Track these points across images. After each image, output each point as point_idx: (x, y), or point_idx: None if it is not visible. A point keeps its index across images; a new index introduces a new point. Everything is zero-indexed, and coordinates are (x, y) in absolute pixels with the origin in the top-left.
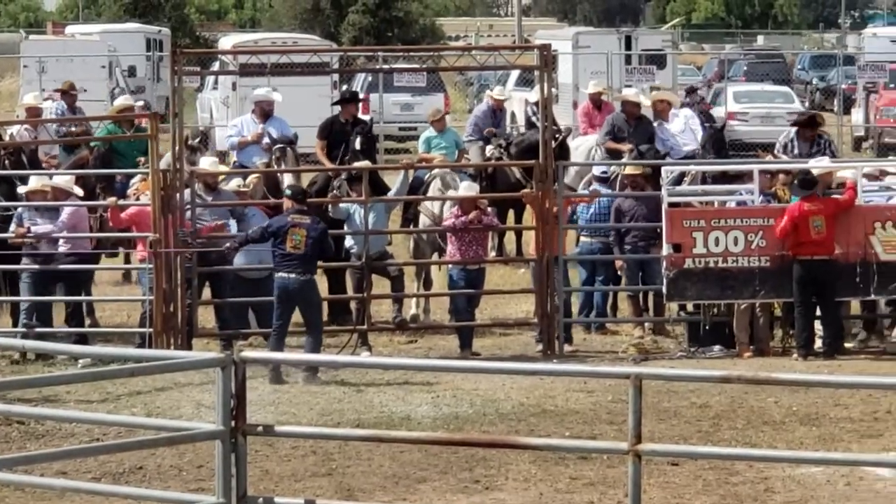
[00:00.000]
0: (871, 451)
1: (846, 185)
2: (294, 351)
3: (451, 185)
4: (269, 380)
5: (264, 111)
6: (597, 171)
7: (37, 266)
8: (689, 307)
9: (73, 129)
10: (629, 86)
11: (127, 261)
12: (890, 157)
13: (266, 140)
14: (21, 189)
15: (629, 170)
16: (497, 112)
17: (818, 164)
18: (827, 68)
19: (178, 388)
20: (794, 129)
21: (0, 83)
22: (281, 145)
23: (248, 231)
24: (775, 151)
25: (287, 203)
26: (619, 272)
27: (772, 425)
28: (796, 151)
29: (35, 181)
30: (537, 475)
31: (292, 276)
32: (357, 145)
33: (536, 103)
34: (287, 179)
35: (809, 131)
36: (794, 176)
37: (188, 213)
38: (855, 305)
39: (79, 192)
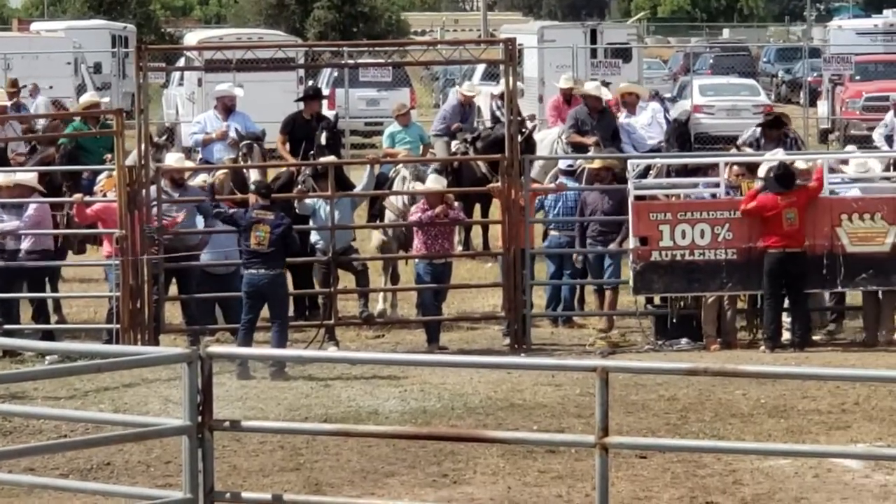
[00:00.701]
0: (839, 443)
1: (816, 172)
2: (261, 346)
3: (421, 176)
4: (236, 375)
5: (226, 106)
6: (562, 164)
7: (1, 263)
8: (657, 300)
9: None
10: (594, 79)
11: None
12: (848, 148)
13: (232, 135)
14: None
15: (597, 163)
16: (466, 107)
17: (780, 157)
18: (792, 61)
19: (146, 384)
20: (759, 127)
21: None
22: (248, 142)
23: (227, 210)
24: (738, 144)
25: (252, 198)
26: (575, 265)
27: (740, 418)
28: (762, 151)
29: (20, 176)
30: (505, 469)
31: (261, 271)
32: (322, 140)
33: (501, 96)
34: (254, 175)
35: (775, 131)
36: (768, 170)
37: (154, 210)
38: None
39: (42, 189)
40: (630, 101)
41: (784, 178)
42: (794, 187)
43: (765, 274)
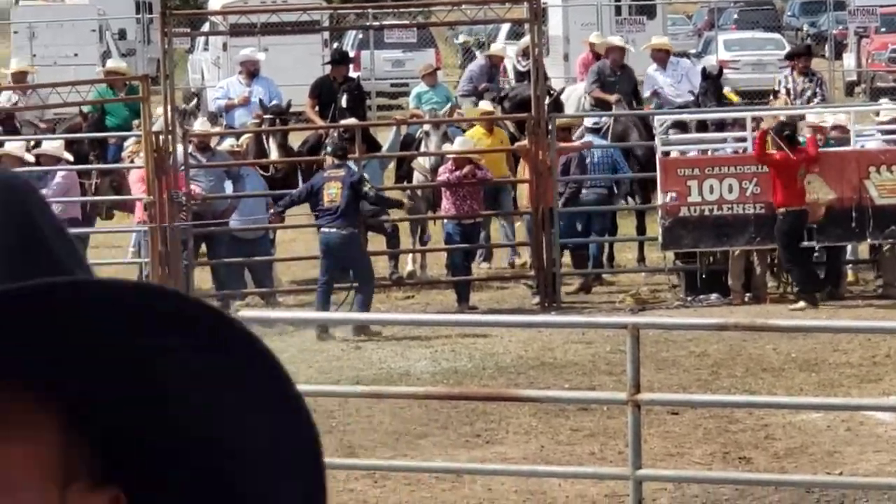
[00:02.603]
0: (871, 396)
1: (809, 142)
2: (291, 310)
3: (449, 136)
4: (316, 338)
5: (250, 71)
6: (588, 122)
7: None
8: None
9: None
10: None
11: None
12: (882, 101)
13: (255, 100)
14: None
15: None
16: (493, 68)
17: (811, 111)
18: (817, 14)
19: None
20: (787, 68)
21: None
22: (270, 117)
23: (292, 193)
24: (780, 93)
25: (327, 160)
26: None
27: (771, 372)
28: (790, 86)
29: (9, 146)
30: (538, 428)
31: (332, 230)
32: (343, 103)
33: (524, 53)
34: (272, 142)
35: (804, 61)
36: (778, 127)
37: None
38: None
39: (69, 157)
40: (660, 58)
41: (791, 137)
42: (800, 144)
43: (786, 233)
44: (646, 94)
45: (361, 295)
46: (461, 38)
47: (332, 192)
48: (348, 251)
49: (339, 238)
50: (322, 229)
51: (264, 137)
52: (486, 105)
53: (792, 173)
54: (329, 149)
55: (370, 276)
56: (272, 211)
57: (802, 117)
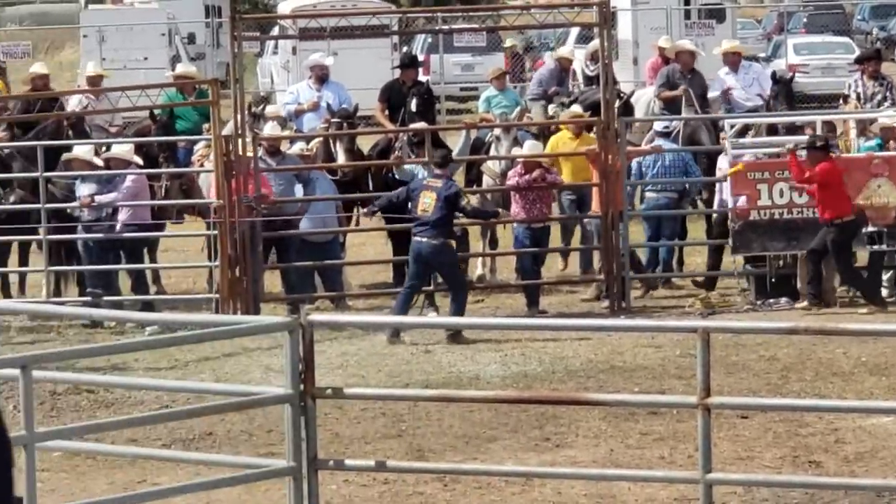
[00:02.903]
0: None
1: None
2: (360, 314)
3: (519, 140)
4: (387, 340)
5: (319, 76)
6: (658, 126)
7: (101, 235)
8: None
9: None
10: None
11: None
12: None
13: (324, 104)
14: (65, 155)
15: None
16: (562, 72)
17: (883, 114)
18: (887, 17)
19: (247, 354)
20: (857, 72)
21: (60, 54)
22: (337, 121)
23: (390, 193)
24: (849, 98)
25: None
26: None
27: (841, 376)
28: (860, 90)
29: (78, 149)
30: (607, 431)
31: (423, 240)
32: (413, 107)
33: (593, 57)
34: (339, 146)
35: (874, 65)
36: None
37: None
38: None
39: (138, 161)
40: (732, 61)
41: (818, 147)
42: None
43: (841, 244)
44: (715, 92)
45: (456, 302)
46: (508, 43)
47: (427, 202)
48: (439, 259)
49: (430, 248)
50: (414, 237)
51: (331, 141)
52: (576, 108)
53: (838, 183)
54: (433, 155)
55: (462, 282)
56: (367, 209)
57: (873, 121)
